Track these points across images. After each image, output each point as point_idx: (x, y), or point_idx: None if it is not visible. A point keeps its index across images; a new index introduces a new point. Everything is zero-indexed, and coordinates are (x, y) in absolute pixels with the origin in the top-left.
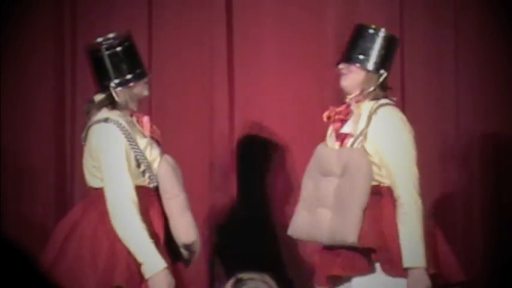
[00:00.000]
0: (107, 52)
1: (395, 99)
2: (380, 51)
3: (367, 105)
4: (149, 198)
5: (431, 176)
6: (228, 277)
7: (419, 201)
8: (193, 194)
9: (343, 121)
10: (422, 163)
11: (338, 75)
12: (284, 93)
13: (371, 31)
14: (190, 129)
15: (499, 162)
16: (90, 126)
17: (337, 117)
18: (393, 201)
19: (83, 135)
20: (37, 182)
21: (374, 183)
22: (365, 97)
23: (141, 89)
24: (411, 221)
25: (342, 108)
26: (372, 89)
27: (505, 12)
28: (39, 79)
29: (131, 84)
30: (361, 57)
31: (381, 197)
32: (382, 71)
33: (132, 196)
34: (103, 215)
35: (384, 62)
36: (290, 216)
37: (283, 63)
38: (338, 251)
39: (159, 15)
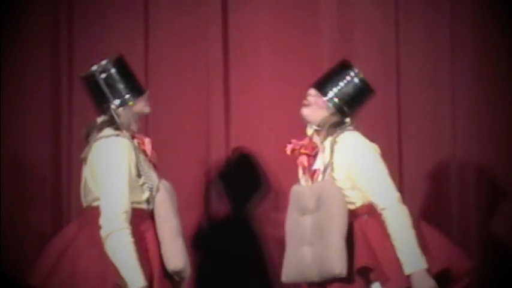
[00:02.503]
0: (102, 75)
1: (353, 125)
2: (351, 94)
3: (330, 139)
4: (146, 222)
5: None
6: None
7: (403, 208)
8: (190, 203)
9: (310, 156)
10: (417, 184)
11: None
12: (280, 99)
13: (352, 73)
14: (186, 137)
15: (495, 187)
16: (96, 140)
17: (302, 151)
18: (378, 217)
19: (84, 154)
20: (34, 189)
21: (351, 207)
22: (326, 135)
23: (141, 106)
24: (401, 228)
25: (305, 142)
26: (327, 126)
27: (501, 5)
28: (36, 88)
29: (131, 102)
30: (330, 93)
31: (367, 216)
32: (345, 117)
33: (126, 209)
34: (98, 236)
35: (350, 106)
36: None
37: (278, 67)
38: (331, 285)
39: (156, 19)
